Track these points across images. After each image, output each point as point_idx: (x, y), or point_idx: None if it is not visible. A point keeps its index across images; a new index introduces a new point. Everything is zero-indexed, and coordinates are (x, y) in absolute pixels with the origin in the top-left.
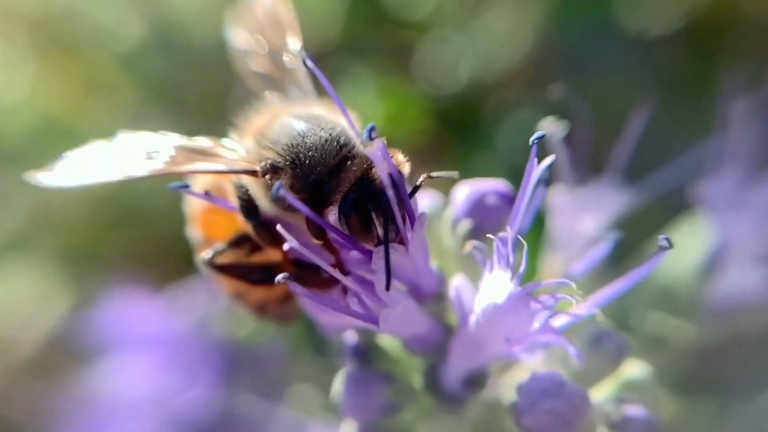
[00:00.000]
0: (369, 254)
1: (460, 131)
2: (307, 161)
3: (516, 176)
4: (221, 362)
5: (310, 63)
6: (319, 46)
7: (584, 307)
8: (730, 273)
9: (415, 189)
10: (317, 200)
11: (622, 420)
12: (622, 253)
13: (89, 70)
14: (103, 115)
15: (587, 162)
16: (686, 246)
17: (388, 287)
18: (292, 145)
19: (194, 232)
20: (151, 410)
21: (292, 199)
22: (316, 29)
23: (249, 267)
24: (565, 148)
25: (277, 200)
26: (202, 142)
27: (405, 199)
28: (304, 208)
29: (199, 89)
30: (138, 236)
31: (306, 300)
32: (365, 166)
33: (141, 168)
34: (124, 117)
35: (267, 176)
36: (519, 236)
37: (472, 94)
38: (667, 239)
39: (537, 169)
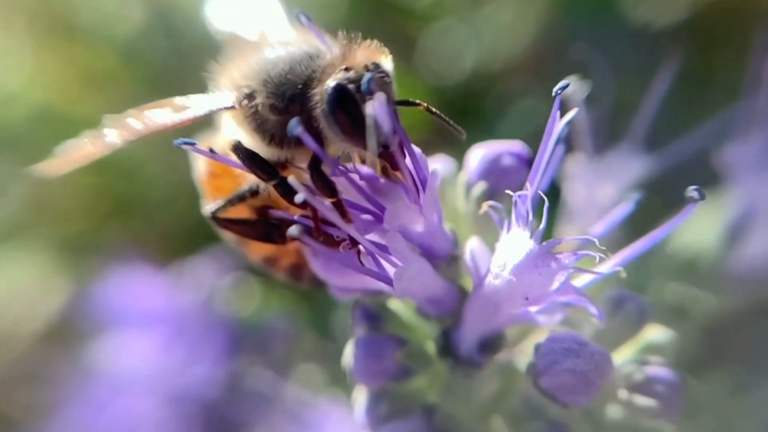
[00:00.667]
0: (381, 217)
1: (464, 120)
2: (277, 75)
3: None
4: (226, 339)
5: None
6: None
7: (606, 265)
8: (754, 240)
9: (403, 102)
10: (300, 118)
11: (646, 380)
12: (641, 222)
13: (88, 58)
14: (102, 104)
15: (606, 129)
16: (708, 214)
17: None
18: (261, 69)
19: (205, 201)
20: (155, 387)
21: (301, 132)
22: (319, 18)
23: (254, 222)
24: (586, 112)
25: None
26: (178, 100)
27: (414, 156)
28: (310, 142)
29: (199, 77)
30: (136, 225)
31: (317, 259)
32: (343, 69)
33: (123, 134)
34: (122, 106)
35: (244, 103)
36: (540, 192)
37: (476, 84)
38: (698, 190)
39: (558, 124)
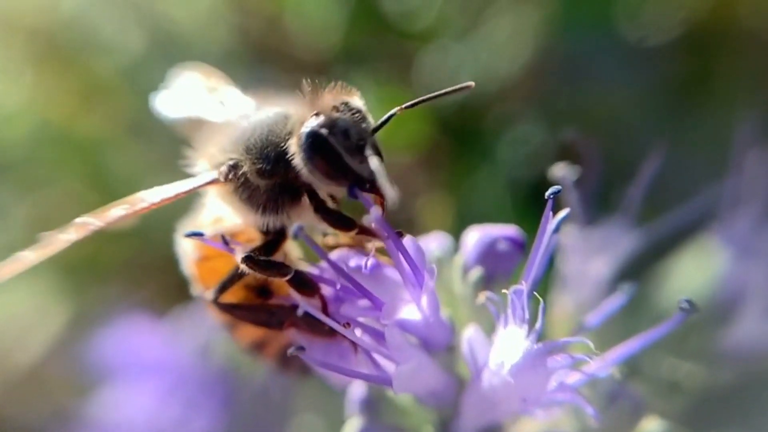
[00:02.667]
0: (379, 303)
1: (460, 140)
2: (258, 140)
3: (516, 188)
4: (224, 390)
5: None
6: (319, 55)
7: (600, 364)
8: (743, 321)
9: (381, 124)
10: (288, 177)
11: None
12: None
13: (88, 78)
14: (102, 121)
15: (597, 202)
16: (702, 288)
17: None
18: (241, 138)
19: (197, 287)
20: None
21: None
22: (316, 38)
23: (255, 307)
24: (576, 190)
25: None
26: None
27: (410, 258)
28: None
29: None
30: (138, 248)
31: (314, 361)
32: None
33: (103, 219)
34: (122, 124)
35: (230, 176)
36: (535, 292)
37: (473, 103)
38: (689, 302)
39: (552, 222)
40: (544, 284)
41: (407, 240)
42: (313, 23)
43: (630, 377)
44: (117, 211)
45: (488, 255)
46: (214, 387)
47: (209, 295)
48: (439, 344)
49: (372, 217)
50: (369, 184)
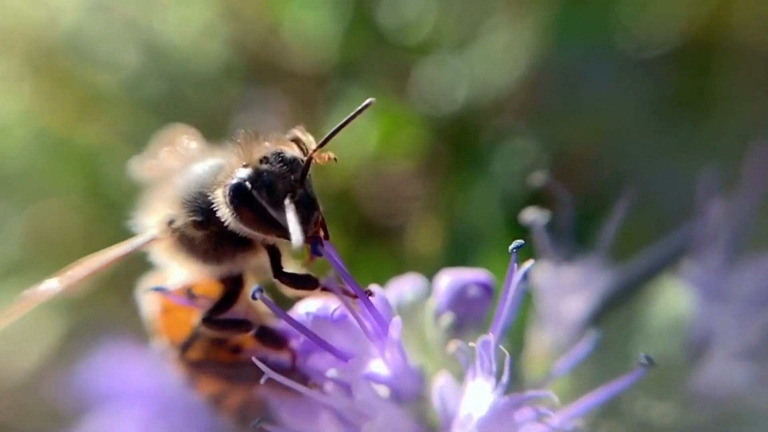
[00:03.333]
0: (346, 356)
1: (456, 153)
2: (191, 194)
3: (510, 203)
4: (207, 419)
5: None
6: (316, 68)
7: (565, 417)
8: (714, 364)
9: (304, 172)
10: (224, 227)
11: None
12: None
13: (86, 88)
14: (101, 130)
15: (571, 240)
16: (673, 329)
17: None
18: (177, 193)
19: (161, 341)
20: None
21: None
22: (313, 52)
23: (222, 364)
24: (548, 232)
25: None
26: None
27: (375, 311)
28: None
29: (196, 109)
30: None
31: (284, 405)
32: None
33: (63, 282)
34: (121, 131)
35: (168, 230)
36: (501, 346)
37: (469, 116)
38: (648, 358)
39: (517, 274)
40: (522, 322)
41: (373, 291)
42: (310, 36)
43: (602, 417)
44: (52, 284)
45: (459, 300)
46: (197, 415)
47: (174, 351)
48: (409, 394)
49: (329, 280)
50: (305, 226)
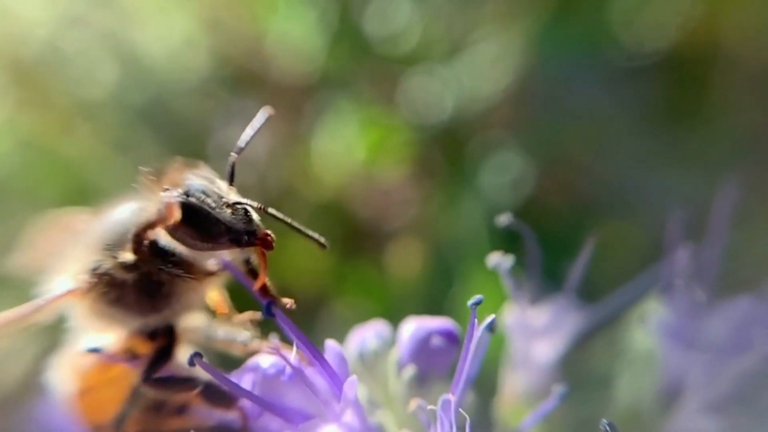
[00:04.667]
0: (298, 419)
1: (443, 164)
2: (115, 235)
3: (496, 213)
4: None
5: None
6: (302, 78)
7: None
8: (683, 416)
9: (231, 177)
10: (155, 264)
11: None
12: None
13: (69, 98)
14: (85, 142)
15: (541, 281)
16: (644, 375)
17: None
18: (97, 239)
19: (82, 424)
20: None
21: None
22: (299, 62)
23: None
24: (515, 278)
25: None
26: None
27: (329, 369)
28: None
29: (179, 120)
30: None
31: None
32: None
33: None
34: (106, 141)
35: (92, 279)
36: (461, 407)
37: (457, 126)
38: (610, 425)
39: (478, 330)
40: (494, 363)
41: (328, 347)
42: (296, 47)
43: None
44: None
45: (422, 351)
46: None
47: (107, 427)
48: None
49: (275, 342)
50: (247, 235)
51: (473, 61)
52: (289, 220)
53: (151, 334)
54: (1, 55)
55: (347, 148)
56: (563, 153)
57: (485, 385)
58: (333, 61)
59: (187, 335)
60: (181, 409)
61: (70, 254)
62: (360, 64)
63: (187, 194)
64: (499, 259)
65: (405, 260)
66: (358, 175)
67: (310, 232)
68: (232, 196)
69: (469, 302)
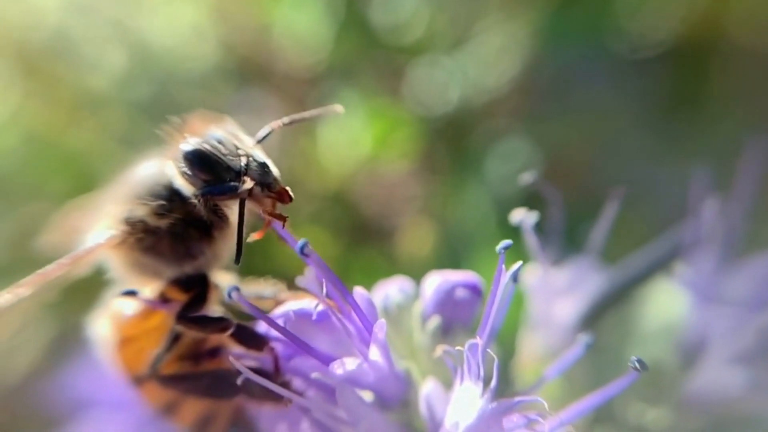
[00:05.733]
0: (328, 359)
1: (449, 154)
2: (145, 186)
3: (503, 205)
4: None
5: None
6: (308, 69)
7: (556, 423)
8: (708, 368)
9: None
10: (187, 210)
11: None
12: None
13: (75, 90)
14: (92, 131)
15: (562, 242)
16: (666, 332)
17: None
18: (129, 191)
19: (121, 375)
20: None
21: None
22: (305, 53)
23: (201, 375)
24: (539, 233)
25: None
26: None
27: (360, 311)
28: None
29: (186, 107)
30: None
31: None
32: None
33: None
34: (111, 134)
35: (127, 227)
36: (489, 349)
37: (462, 117)
38: (640, 362)
39: (505, 275)
40: (513, 325)
41: (357, 293)
42: (302, 37)
43: (594, 423)
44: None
45: (446, 303)
46: None
47: (145, 372)
48: (394, 400)
49: (309, 280)
50: (262, 186)
51: (478, 52)
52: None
53: (186, 285)
54: (9, 44)
55: (353, 140)
56: (568, 143)
57: (503, 346)
58: (339, 52)
59: (218, 291)
60: (214, 352)
61: (99, 214)
62: (366, 55)
63: (201, 142)
64: (523, 216)
65: (412, 249)
66: (364, 166)
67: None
68: (254, 150)
69: (498, 247)
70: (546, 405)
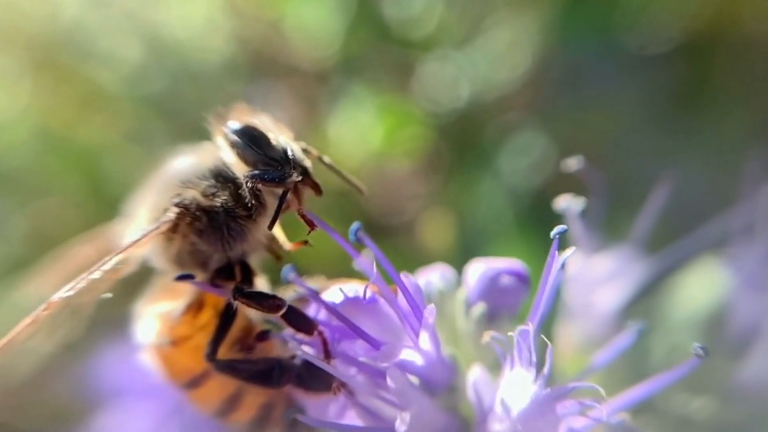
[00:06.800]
0: (377, 343)
1: (460, 150)
2: (192, 172)
3: (516, 199)
4: None
5: None
6: (318, 63)
7: (610, 409)
8: (756, 358)
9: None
10: (235, 193)
11: None
12: None
13: (86, 85)
14: (101, 126)
15: (603, 230)
16: (714, 321)
17: (271, 227)
18: (173, 180)
19: (178, 380)
20: None
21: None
22: (315, 47)
23: (257, 361)
24: (581, 219)
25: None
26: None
27: (409, 295)
28: None
29: (199, 105)
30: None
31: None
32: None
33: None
34: (122, 130)
35: (180, 210)
36: (542, 334)
37: (473, 113)
38: (703, 348)
39: (559, 260)
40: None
41: (404, 277)
42: (313, 31)
43: (639, 412)
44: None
45: (492, 290)
46: None
47: (209, 354)
48: (440, 384)
49: (363, 262)
50: (303, 172)
51: (489, 47)
52: (336, 167)
53: (231, 274)
54: (25, 36)
55: (363, 135)
56: (579, 138)
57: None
58: (350, 46)
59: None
60: (264, 336)
61: (146, 200)
62: (376, 50)
63: (250, 120)
64: (569, 202)
65: (426, 243)
66: (373, 162)
67: (353, 179)
68: (292, 141)
69: (553, 232)
70: (602, 391)
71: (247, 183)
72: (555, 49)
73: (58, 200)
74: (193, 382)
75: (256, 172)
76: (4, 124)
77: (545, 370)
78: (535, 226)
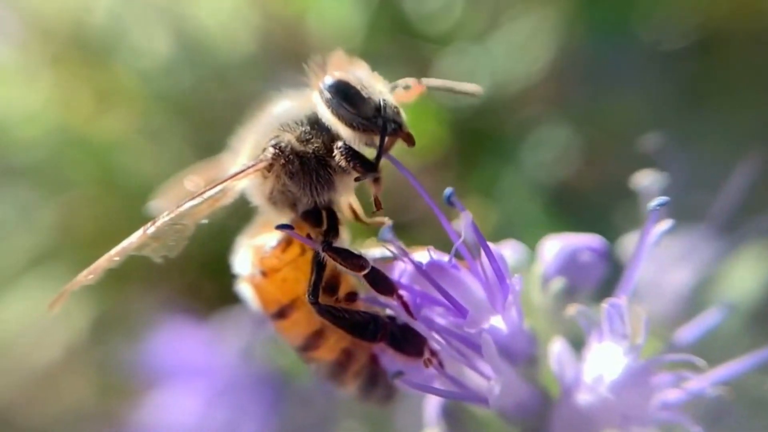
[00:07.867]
0: (463, 310)
1: (480, 143)
2: (290, 117)
3: (539, 191)
4: (271, 395)
5: None
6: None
7: (705, 383)
8: None
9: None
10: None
11: None
12: None
13: (106, 80)
14: (120, 121)
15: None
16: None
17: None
18: (272, 123)
19: (258, 306)
20: None
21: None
22: (336, 42)
23: (355, 312)
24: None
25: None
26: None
27: (496, 264)
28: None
29: (220, 100)
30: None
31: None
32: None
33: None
34: (142, 125)
35: (276, 152)
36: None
37: (492, 106)
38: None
39: (653, 234)
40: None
41: (492, 247)
42: (334, 26)
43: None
44: (189, 204)
45: (570, 266)
46: (261, 391)
47: (312, 298)
48: (521, 356)
49: (452, 228)
50: (396, 124)
51: (509, 41)
52: (441, 84)
53: (317, 219)
54: (60, 27)
55: None
56: (600, 131)
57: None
58: (370, 40)
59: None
60: (352, 296)
61: (249, 140)
62: (396, 43)
63: (346, 74)
64: (651, 178)
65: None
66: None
67: (463, 86)
68: (388, 93)
69: (650, 205)
70: (701, 363)
71: (340, 150)
72: (574, 42)
73: (77, 193)
74: (281, 313)
75: (346, 148)
76: (29, 117)
77: (640, 341)
78: (563, 218)
